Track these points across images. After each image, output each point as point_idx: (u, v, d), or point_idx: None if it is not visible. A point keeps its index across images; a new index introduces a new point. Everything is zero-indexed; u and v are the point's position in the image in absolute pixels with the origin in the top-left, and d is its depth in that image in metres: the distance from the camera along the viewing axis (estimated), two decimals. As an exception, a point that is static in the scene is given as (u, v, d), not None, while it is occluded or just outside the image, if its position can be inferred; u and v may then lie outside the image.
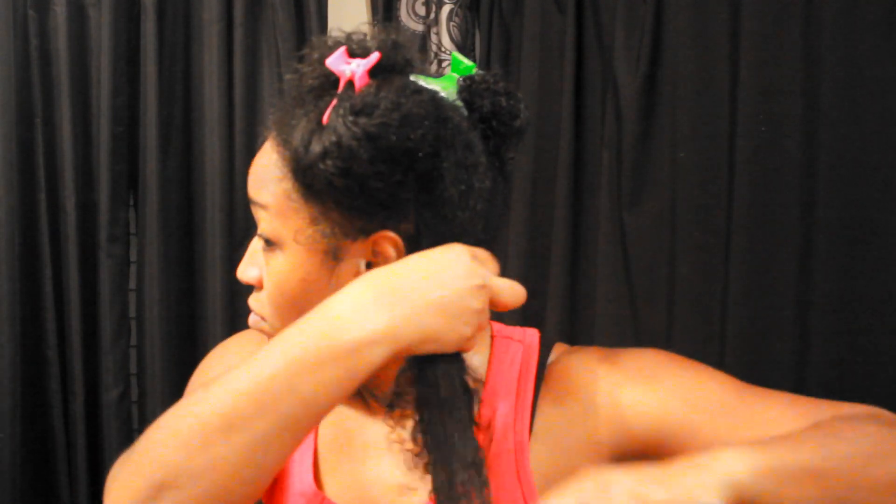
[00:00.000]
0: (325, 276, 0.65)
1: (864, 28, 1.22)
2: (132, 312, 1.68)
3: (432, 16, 1.52)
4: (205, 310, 1.65)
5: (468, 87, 0.67)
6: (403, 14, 1.54)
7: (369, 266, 0.65)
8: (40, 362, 1.65)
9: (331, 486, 0.72)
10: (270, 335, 0.70)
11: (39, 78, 1.63)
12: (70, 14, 1.62)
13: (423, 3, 1.53)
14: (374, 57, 0.62)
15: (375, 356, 0.57)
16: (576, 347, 0.75)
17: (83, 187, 1.65)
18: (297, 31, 1.61)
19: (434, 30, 1.51)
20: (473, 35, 1.54)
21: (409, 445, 0.68)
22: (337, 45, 0.64)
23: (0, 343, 1.60)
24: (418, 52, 0.67)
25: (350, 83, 0.62)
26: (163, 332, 1.63)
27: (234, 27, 1.62)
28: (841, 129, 1.23)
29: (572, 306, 1.42)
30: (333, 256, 0.65)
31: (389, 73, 0.63)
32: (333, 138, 0.60)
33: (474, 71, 0.68)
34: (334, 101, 0.61)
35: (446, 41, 1.50)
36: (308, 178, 0.62)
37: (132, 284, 1.69)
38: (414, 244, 0.63)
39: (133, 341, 1.68)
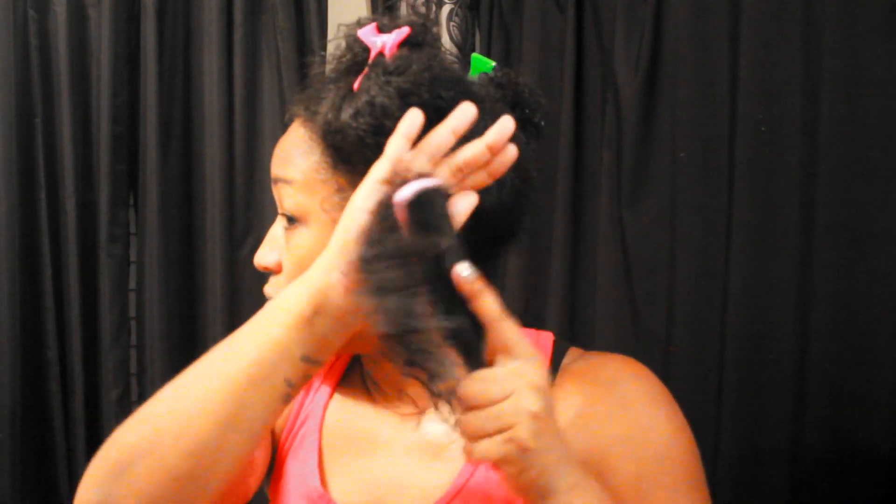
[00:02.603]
0: None
1: (864, 28, 1.22)
2: (132, 312, 1.68)
3: (432, 16, 1.52)
4: (205, 310, 1.65)
5: (491, 80, 0.68)
6: (403, 14, 1.54)
7: None
8: (40, 362, 1.65)
9: (336, 487, 0.72)
10: None
11: (39, 78, 1.63)
12: (70, 14, 1.62)
13: (423, 3, 1.53)
14: (405, 30, 0.64)
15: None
16: (591, 353, 0.73)
17: (83, 187, 1.65)
18: (297, 31, 1.61)
19: (434, 30, 1.51)
20: (473, 35, 1.54)
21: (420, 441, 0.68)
22: (367, 22, 0.65)
23: (0, 343, 1.60)
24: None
25: (381, 54, 0.63)
26: (163, 332, 1.63)
27: (234, 27, 1.62)
28: (841, 129, 1.23)
29: (572, 306, 1.42)
30: None
31: (418, 47, 0.64)
32: (366, 98, 0.61)
33: (494, 66, 0.69)
34: (365, 70, 0.62)
35: (446, 41, 1.50)
36: (339, 141, 0.63)
37: (132, 284, 1.69)
38: None
39: (133, 341, 1.68)
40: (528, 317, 1.44)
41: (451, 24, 1.50)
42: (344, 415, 0.76)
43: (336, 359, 0.79)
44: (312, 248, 0.66)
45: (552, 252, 1.42)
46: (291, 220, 0.67)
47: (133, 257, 1.69)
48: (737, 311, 1.29)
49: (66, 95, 1.62)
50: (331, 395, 0.78)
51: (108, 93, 1.61)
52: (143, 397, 1.64)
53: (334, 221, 0.65)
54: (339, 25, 0.67)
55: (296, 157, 0.67)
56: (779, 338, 1.28)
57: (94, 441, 1.66)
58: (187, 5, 1.65)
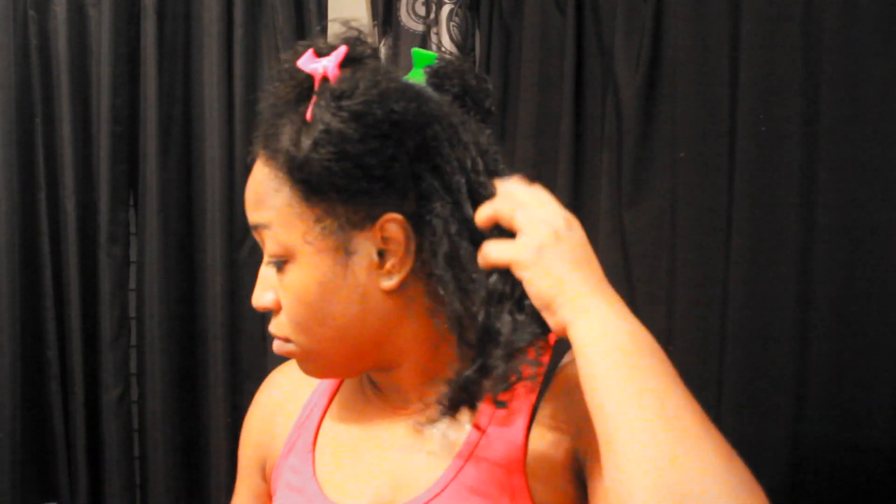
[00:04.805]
0: (340, 274, 0.66)
1: (864, 28, 1.22)
2: (132, 312, 1.68)
3: (432, 16, 1.52)
4: (205, 310, 1.65)
5: (436, 72, 0.69)
6: (403, 14, 1.54)
7: (381, 255, 0.66)
8: (40, 362, 1.65)
9: (330, 487, 0.73)
10: (298, 356, 0.70)
11: (39, 78, 1.63)
12: (70, 14, 1.62)
13: (423, 3, 1.53)
14: (343, 50, 0.64)
15: None
16: None
17: (83, 187, 1.65)
18: (297, 31, 1.61)
19: (434, 30, 1.51)
20: (473, 35, 1.55)
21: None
22: (304, 49, 0.66)
23: (0, 343, 1.60)
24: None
25: (325, 79, 0.63)
26: (163, 332, 1.63)
27: (234, 27, 1.62)
28: (841, 129, 1.23)
29: (572, 306, 1.42)
30: (345, 251, 0.65)
31: (359, 62, 0.65)
32: (321, 127, 0.62)
33: (437, 57, 0.70)
34: (314, 99, 0.63)
35: (446, 41, 1.50)
36: (305, 174, 0.63)
37: (132, 284, 1.69)
38: (418, 221, 0.64)
39: (133, 341, 1.68)
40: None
41: (451, 24, 1.50)
42: (341, 424, 0.76)
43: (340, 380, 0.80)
44: (306, 282, 0.66)
45: (552, 252, 1.42)
46: (279, 263, 0.68)
47: (133, 257, 1.69)
48: (737, 311, 1.29)
49: (66, 95, 1.62)
50: (326, 407, 0.78)
51: (108, 93, 1.61)
52: (143, 397, 1.64)
53: (320, 251, 0.65)
54: (277, 58, 0.68)
55: (266, 199, 0.67)
56: (779, 338, 1.28)
57: (94, 441, 1.66)
58: (187, 5, 1.65)
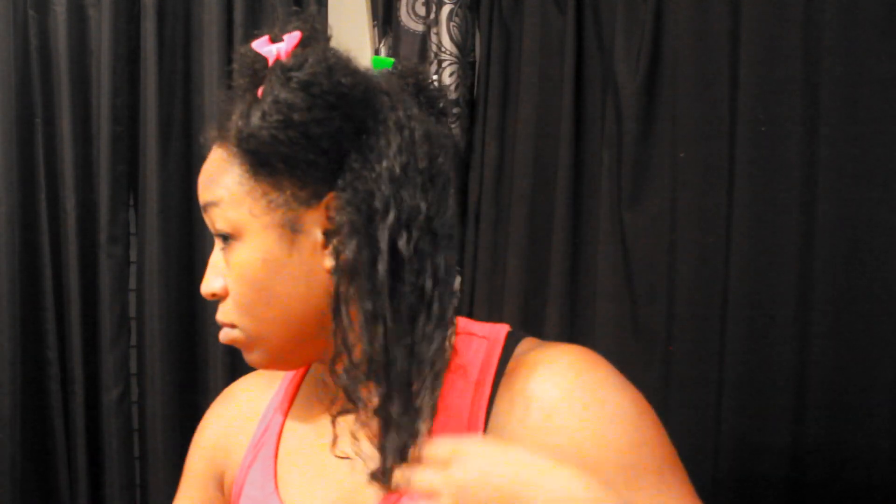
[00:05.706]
0: (285, 252, 0.66)
1: (864, 28, 1.22)
2: (132, 312, 1.68)
3: (432, 16, 1.51)
4: (205, 309, 1.65)
5: (392, 74, 0.71)
6: (403, 14, 1.54)
7: (327, 235, 0.66)
8: (40, 362, 1.65)
9: (291, 497, 0.72)
10: (244, 343, 0.70)
11: (39, 78, 1.63)
12: (70, 14, 1.62)
13: (423, 3, 1.53)
14: (297, 34, 0.66)
15: None
16: (545, 343, 0.72)
17: (83, 187, 1.65)
18: (297, 31, 1.61)
19: (434, 30, 1.51)
20: (473, 35, 1.54)
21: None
22: (260, 36, 0.67)
23: (0, 343, 1.60)
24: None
25: (278, 59, 0.64)
26: (163, 332, 1.63)
27: (234, 27, 1.62)
28: (841, 128, 1.23)
29: (572, 306, 1.42)
30: (291, 228, 0.66)
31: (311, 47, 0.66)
32: (270, 98, 0.63)
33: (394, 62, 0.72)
34: (266, 77, 0.64)
35: (446, 41, 1.50)
36: (252, 145, 0.64)
37: (132, 284, 1.69)
38: (363, 202, 0.64)
39: (133, 341, 1.68)
40: (529, 316, 1.44)
41: (451, 24, 1.50)
42: (299, 431, 0.76)
43: (295, 386, 0.80)
44: (251, 259, 0.66)
45: (552, 252, 1.42)
46: (226, 239, 0.68)
47: (133, 257, 1.69)
48: (737, 311, 1.29)
49: (66, 95, 1.62)
50: (286, 416, 0.78)
51: (108, 93, 1.61)
52: (143, 397, 1.64)
53: (266, 227, 0.65)
54: (238, 48, 0.69)
55: (218, 178, 0.68)
56: (779, 338, 1.27)
57: (94, 441, 1.66)
58: (187, 5, 1.65)
